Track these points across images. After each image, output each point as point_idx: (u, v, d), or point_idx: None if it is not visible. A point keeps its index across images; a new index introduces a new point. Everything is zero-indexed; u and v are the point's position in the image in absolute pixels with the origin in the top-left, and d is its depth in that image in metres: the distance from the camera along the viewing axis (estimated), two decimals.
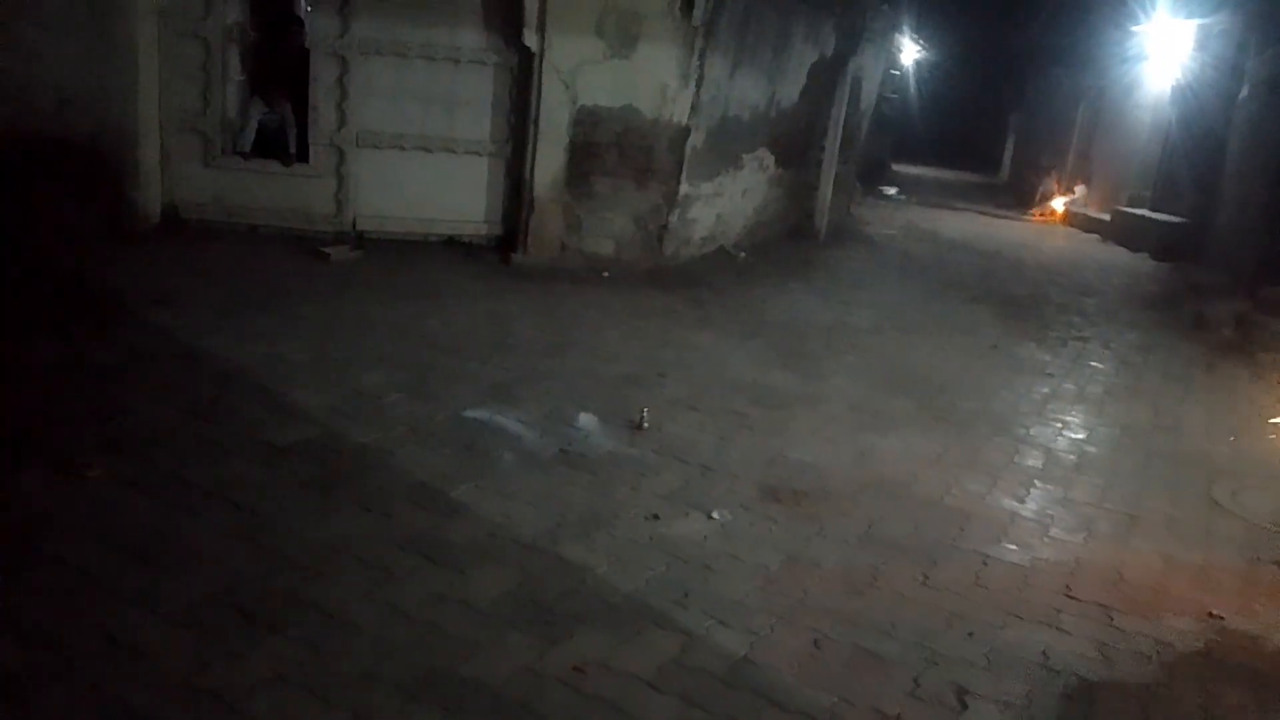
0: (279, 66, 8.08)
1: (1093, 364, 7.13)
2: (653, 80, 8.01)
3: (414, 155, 8.23)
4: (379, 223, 8.23)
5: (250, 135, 8.00)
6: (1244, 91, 12.15)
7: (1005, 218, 17.96)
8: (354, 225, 8.20)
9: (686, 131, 8.25)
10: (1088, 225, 16.11)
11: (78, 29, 7.12)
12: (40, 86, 7.13)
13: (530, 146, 8.04)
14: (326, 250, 7.59)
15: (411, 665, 2.70)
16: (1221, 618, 3.44)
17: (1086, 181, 18.06)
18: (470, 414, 4.60)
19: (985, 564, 3.70)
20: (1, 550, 3.05)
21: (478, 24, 8.04)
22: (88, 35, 7.15)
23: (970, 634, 3.18)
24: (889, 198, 18.38)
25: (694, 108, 8.24)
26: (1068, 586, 3.56)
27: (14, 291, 5.77)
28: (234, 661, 2.64)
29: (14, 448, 3.77)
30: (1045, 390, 6.24)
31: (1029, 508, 4.26)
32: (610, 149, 8.12)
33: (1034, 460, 4.90)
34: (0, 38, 7.03)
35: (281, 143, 8.18)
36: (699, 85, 8.19)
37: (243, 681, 2.56)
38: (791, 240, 11.09)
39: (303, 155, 8.15)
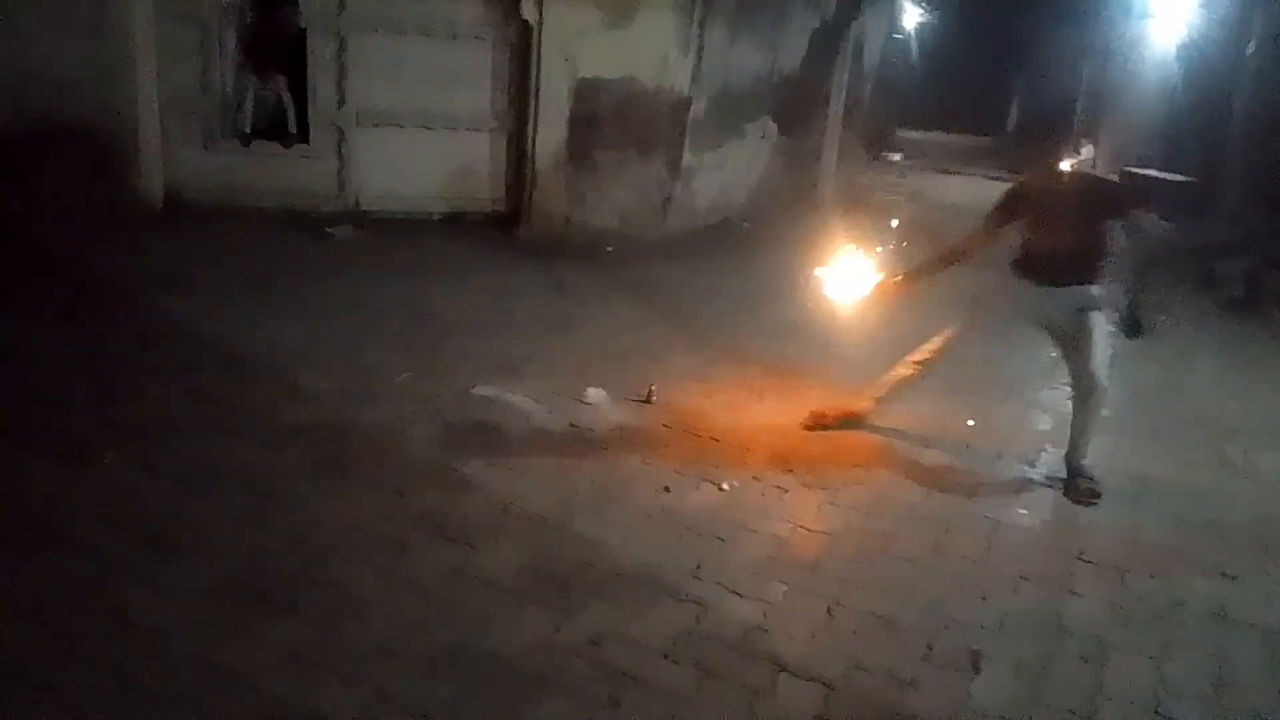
0: (273, 45, 8.02)
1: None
2: (652, 50, 7.94)
3: (414, 132, 8.20)
4: (381, 201, 8.20)
5: (248, 114, 7.95)
6: (1250, 46, 11.99)
7: (1011, 180, 17.82)
8: (356, 204, 8.18)
9: (688, 101, 8.18)
10: None
11: (75, 15, 7.08)
12: (39, 73, 7.11)
13: (531, 120, 7.99)
14: (330, 230, 7.58)
15: (429, 640, 2.72)
16: (1234, 577, 3.43)
17: (1094, 142, 17.91)
18: (478, 391, 4.60)
19: (997, 529, 3.70)
20: (17, 536, 3.08)
21: None
22: (85, 21, 7.11)
23: (983, 598, 3.18)
24: (894, 163, 18.24)
25: (695, 77, 8.17)
26: (1080, 549, 3.56)
27: (20, 278, 5.78)
28: (252, 640, 2.66)
29: (25, 434, 3.79)
30: (1053, 354, 6.18)
31: (1039, 471, 4.26)
32: (611, 121, 8.06)
33: (1044, 424, 4.88)
34: None
35: (281, 123, 8.14)
36: (699, 54, 8.12)
37: (262, 660, 2.58)
38: (797, 209, 11.01)
39: (303, 135, 8.11)
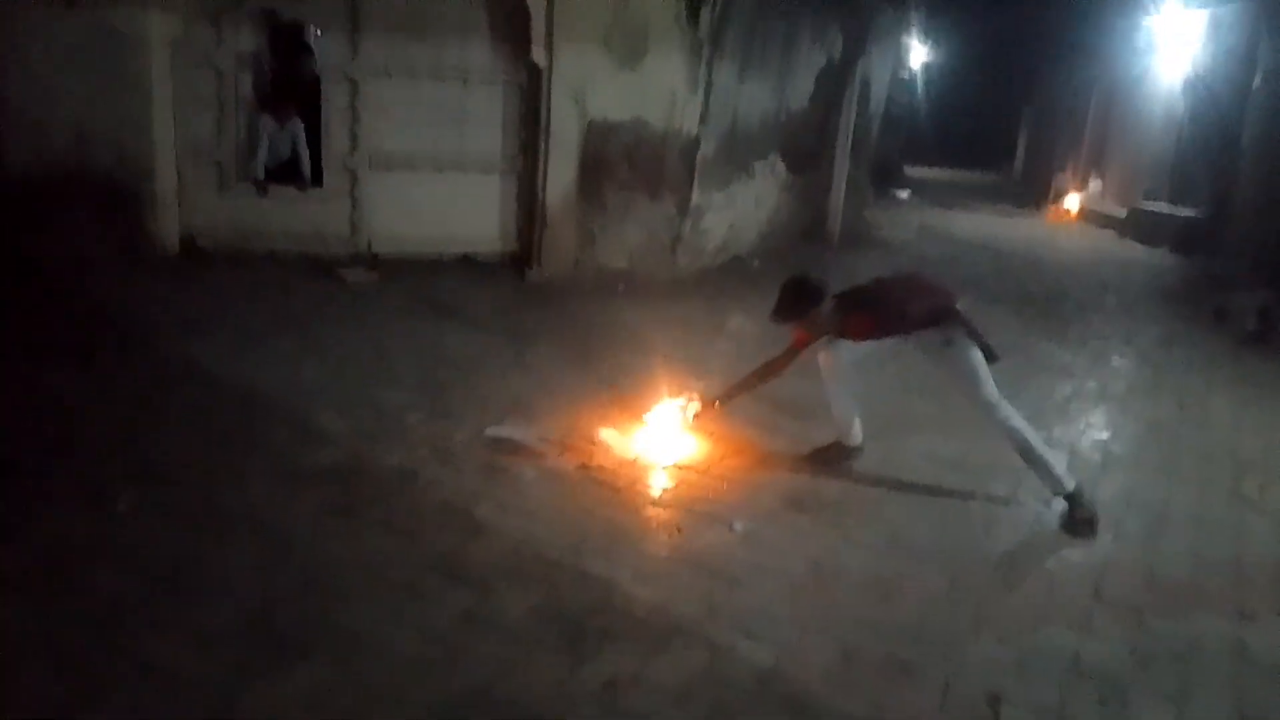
0: (291, 90, 8.16)
1: (1114, 361, 7.08)
2: (661, 91, 8.04)
3: (426, 175, 8.29)
4: (394, 244, 8.28)
5: (262, 160, 8.08)
6: (1257, 81, 12.06)
7: (1019, 216, 17.89)
8: (369, 247, 8.26)
9: (697, 141, 8.27)
10: (1103, 222, 16.01)
11: (93, 64, 7.22)
12: (58, 121, 7.25)
13: (541, 162, 8.08)
14: (343, 273, 7.65)
15: (443, 686, 2.71)
16: (1253, 616, 3.40)
17: (1101, 177, 17.96)
18: (490, 432, 4.62)
19: (1012, 568, 3.68)
20: (34, 581, 3.09)
21: (485, 42, 8.11)
22: (103, 70, 7.26)
23: (1000, 639, 3.16)
24: (901, 200, 18.33)
25: (703, 117, 8.27)
26: (1097, 588, 3.53)
27: (38, 323, 5.85)
28: (267, 686, 2.65)
29: (41, 478, 3.82)
30: (1067, 390, 6.20)
31: (1055, 509, 4.23)
32: (621, 162, 8.15)
33: (1058, 461, 4.85)
34: (18, 75, 7.15)
35: (295, 167, 8.26)
36: (707, 94, 8.22)
37: (277, 705, 2.58)
38: (806, 246, 11.08)
39: (317, 179, 8.23)
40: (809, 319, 4.18)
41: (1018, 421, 4.08)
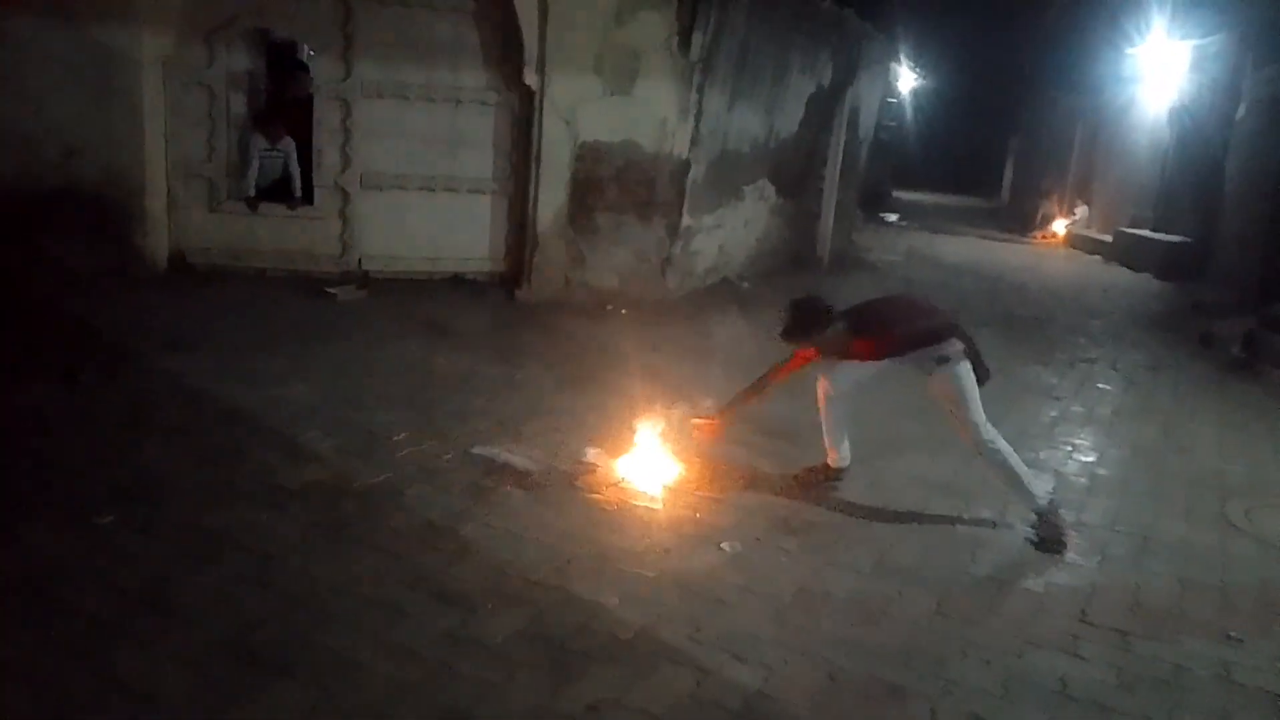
0: (285, 109, 8.18)
1: (1100, 385, 7.12)
2: (652, 115, 8.10)
3: (417, 195, 8.31)
4: (384, 262, 8.28)
5: (252, 178, 8.08)
6: (1241, 111, 12.22)
7: (1006, 241, 18.01)
8: (359, 265, 8.25)
9: (687, 164, 8.32)
10: (1090, 247, 16.15)
11: (83, 79, 7.23)
12: (47, 136, 7.24)
13: (532, 183, 8.12)
14: (333, 291, 7.64)
15: (425, 706, 2.69)
16: (1239, 639, 3.40)
17: (1088, 203, 18.12)
18: (477, 451, 4.60)
19: (999, 590, 3.68)
20: (13, 600, 3.05)
21: (478, 65, 8.16)
22: (93, 85, 7.26)
23: (987, 662, 3.15)
24: (890, 224, 18.46)
25: (693, 141, 8.32)
26: (1083, 611, 3.53)
27: (23, 339, 5.81)
28: (247, 706, 2.63)
29: (23, 496, 3.78)
30: (1053, 413, 6.23)
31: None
32: (612, 184, 8.19)
33: (1044, 484, 4.86)
34: (7, 89, 7.14)
35: (286, 185, 8.26)
36: (698, 119, 8.27)
37: None
38: (795, 269, 11.13)
39: (308, 197, 8.23)
40: (818, 339, 4.21)
41: (1001, 444, 4.11)
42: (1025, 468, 4.22)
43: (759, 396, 4.55)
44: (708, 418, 4.61)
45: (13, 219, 7.06)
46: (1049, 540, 4.04)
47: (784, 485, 4.50)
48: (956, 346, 4.08)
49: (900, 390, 4.79)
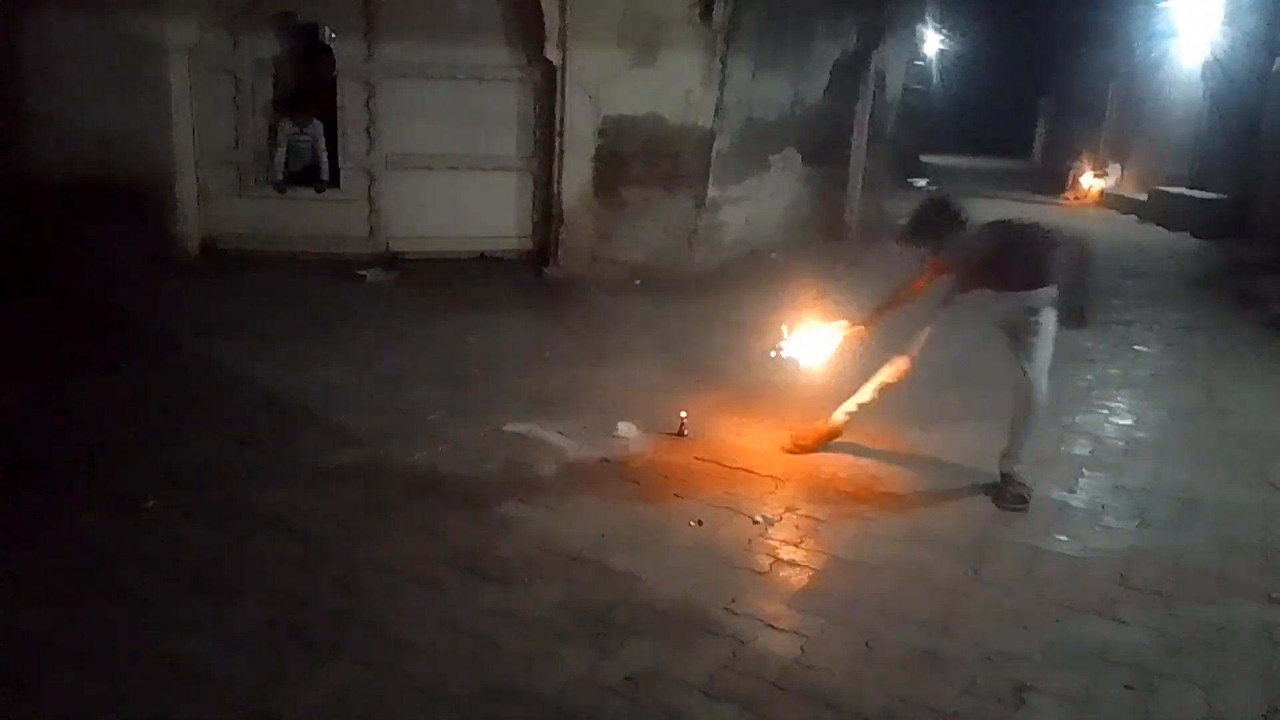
0: (311, 92, 8.22)
1: (1137, 347, 7.02)
2: (676, 87, 8.03)
3: (443, 174, 8.33)
4: (412, 243, 8.33)
5: (280, 162, 8.13)
6: (1277, 64, 11.91)
7: (1039, 203, 17.71)
8: (388, 246, 8.30)
9: (711, 136, 8.26)
10: (1124, 206, 15.84)
11: (114, 70, 7.31)
12: (84, 129, 7.33)
13: (557, 159, 8.10)
14: (362, 273, 7.70)
15: (469, 681, 2.73)
16: None
17: (1121, 162, 17.77)
18: (512, 428, 4.64)
19: (1036, 556, 3.66)
20: (64, 584, 3.14)
21: (500, 42, 8.13)
22: (123, 76, 7.34)
23: (1025, 628, 3.14)
24: (920, 190, 18.21)
25: (718, 111, 8.25)
26: (1123, 575, 3.51)
27: (65, 327, 5.92)
28: (294, 685, 2.69)
29: (69, 482, 3.87)
30: (1090, 376, 6.15)
31: (1079, 497, 4.21)
32: (637, 157, 8.15)
33: (1081, 448, 4.83)
34: (45, 85, 7.24)
35: (315, 168, 8.31)
36: (722, 89, 8.20)
37: (304, 704, 2.61)
38: (823, 239, 11.02)
39: (335, 180, 8.28)
40: (943, 246, 4.05)
41: (1041, 392, 4.06)
42: (1039, 437, 4.20)
43: (898, 309, 4.38)
44: (854, 325, 4.45)
45: (57, 210, 7.18)
46: (1014, 498, 4.03)
47: (819, 457, 4.49)
48: (1051, 294, 3.99)
49: (939, 361, 4.74)
